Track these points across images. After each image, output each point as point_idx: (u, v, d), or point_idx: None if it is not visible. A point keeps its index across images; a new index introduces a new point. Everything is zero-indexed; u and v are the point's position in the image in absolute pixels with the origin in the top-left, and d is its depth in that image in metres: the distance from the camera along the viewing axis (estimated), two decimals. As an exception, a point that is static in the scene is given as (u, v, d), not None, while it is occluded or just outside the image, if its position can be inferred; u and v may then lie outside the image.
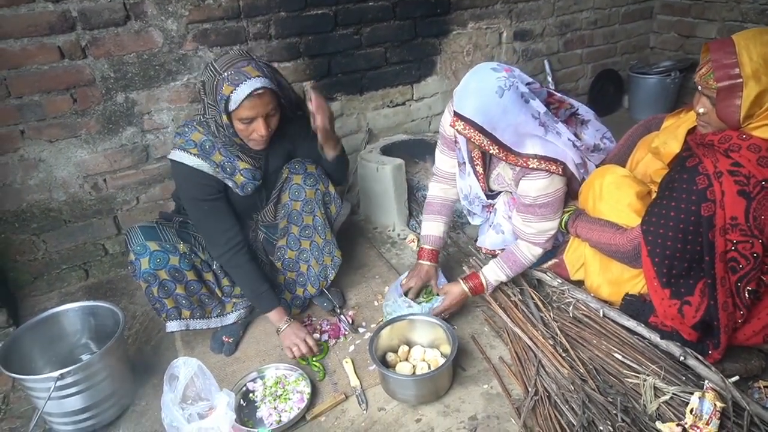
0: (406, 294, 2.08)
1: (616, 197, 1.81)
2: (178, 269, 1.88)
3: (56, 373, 1.58)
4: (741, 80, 1.42)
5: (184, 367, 1.62)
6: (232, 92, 1.65)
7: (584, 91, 3.86)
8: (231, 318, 2.07)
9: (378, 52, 2.89)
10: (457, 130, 1.73)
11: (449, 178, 2.14)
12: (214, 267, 2.02)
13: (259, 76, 1.66)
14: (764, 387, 1.61)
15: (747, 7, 3.42)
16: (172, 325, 1.94)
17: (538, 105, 1.76)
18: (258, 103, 1.68)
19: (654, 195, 1.83)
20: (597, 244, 1.84)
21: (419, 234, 2.61)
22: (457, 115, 1.71)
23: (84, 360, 1.69)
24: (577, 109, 2.01)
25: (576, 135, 1.93)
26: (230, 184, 1.87)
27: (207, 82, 1.72)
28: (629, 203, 1.79)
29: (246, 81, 1.64)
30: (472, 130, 1.70)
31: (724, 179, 1.47)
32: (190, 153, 1.81)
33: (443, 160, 2.12)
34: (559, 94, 1.97)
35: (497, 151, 1.75)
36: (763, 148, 1.46)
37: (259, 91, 1.66)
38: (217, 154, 1.83)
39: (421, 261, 2.13)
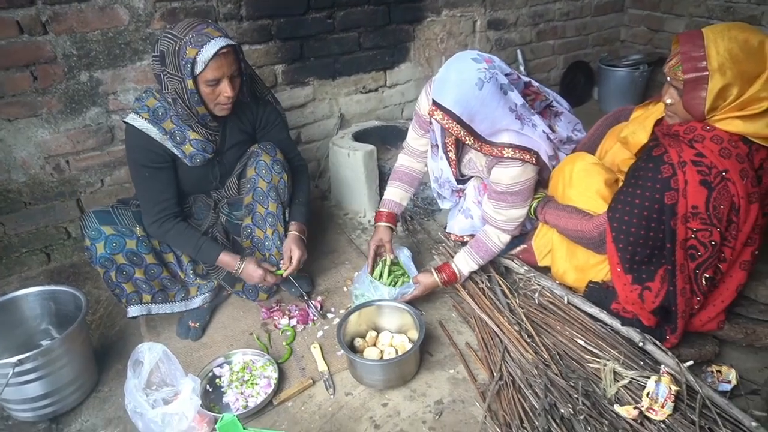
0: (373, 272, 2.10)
1: (585, 184, 1.85)
2: (136, 253, 1.85)
3: (14, 359, 1.54)
4: (707, 73, 1.45)
5: (149, 353, 1.60)
6: (197, 54, 1.62)
7: (556, 81, 3.90)
8: (196, 302, 2.04)
9: (351, 37, 2.86)
10: (435, 119, 1.73)
11: (417, 154, 2.16)
12: (176, 250, 1.99)
13: (220, 36, 1.65)
14: (717, 371, 1.67)
15: (713, 3, 3.50)
16: (133, 310, 1.91)
17: (516, 97, 1.78)
18: (224, 63, 1.67)
19: (621, 183, 1.87)
20: (564, 230, 1.88)
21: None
22: (435, 104, 1.72)
23: (43, 345, 1.65)
24: (552, 101, 2.03)
25: (550, 127, 1.96)
26: (178, 153, 1.84)
27: (167, 50, 1.67)
28: (597, 190, 1.83)
29: (210, 41, 1.63)
30: (450, 121, 1.71)
31: (688, 169, 1.51)
32: (142, 117, 1.78)
33: (414, 138, 2.14)
34: (536, 85, 1.99)
35: (473, 141, 1.77)
36: (725, 140, 1.50)
37: (225, 50, 1.65)
38: (168, 121, 1.80)
39: (377, 223, 2.14)
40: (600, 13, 3.89)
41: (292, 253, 1.98)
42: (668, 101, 1.60)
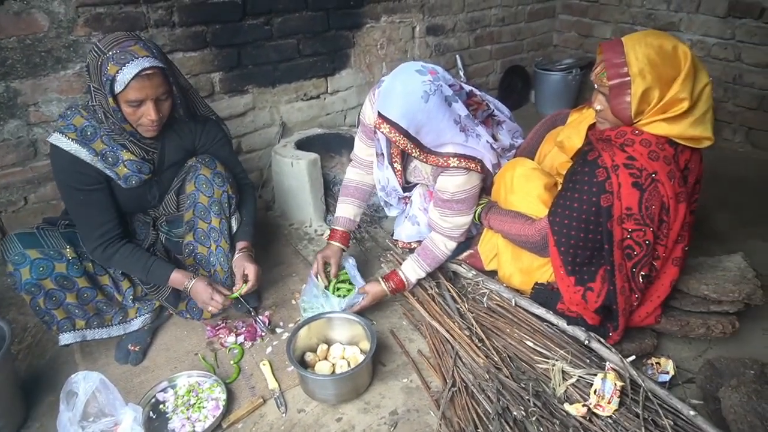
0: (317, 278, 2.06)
1: (526, 189, 1.89)
2: (66, 277, 1.73)
3: (-73, 401, 1.40)
4: (629, 78, 1.52)
5: (84, 382, 1.49)
6: (117, 72, 1.52)
7: (494, 86, 3.99)
8: (136, 324, 1.94)
9: (290, 44, 2.81)
10: (381, 131, 1.72)
11: (366, 165, 2.14)
12: (111, 269, 1.88)
13: (147, 56, 1.55)
14: (656, 363, 1.75)
15: (636, 10, 3.70)
16: (66, 338, 1.79)
17: (460, 108, 1.79)
18: (147, 85, 1.57)
19: (560, 187, 1.93)
20: (508, 234, 1.91)
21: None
22: (381, 116, 1.70)
23: (-37, 383, 1.51)
24: (494, 111, 2.07)
25: (493, 136, 1.99)
26: (111, 175, 1.72)
27: (91, 63, 1.57)
28: (538, 195, 1.87)
29: (133, 60, 1.52)
30: (396, 133, 1.71)
31: (620, 172, 1.57)
32: (68, 137, 1.65)
33: (361, 148, 2.12)
34: (478, 94, 2.02)
35: (418, 153, 1.78)
36: (653, 143, 1.57)
37: (148, 71, 1.55)
38: (98, 141, 1.68)
39: (330, 242, 2.11)
40: (533, 18, 4.02)
41: (247, 270, 1.89)
42: (598, 107, 1.66)
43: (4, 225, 2.27)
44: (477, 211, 2.01)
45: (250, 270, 1.90)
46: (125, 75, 1.52)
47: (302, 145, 2.77)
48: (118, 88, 1.55)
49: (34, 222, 2.28)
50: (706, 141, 1.59)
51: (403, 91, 1.68)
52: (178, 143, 1.88)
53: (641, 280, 1.66)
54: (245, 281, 1.90)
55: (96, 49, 1.57)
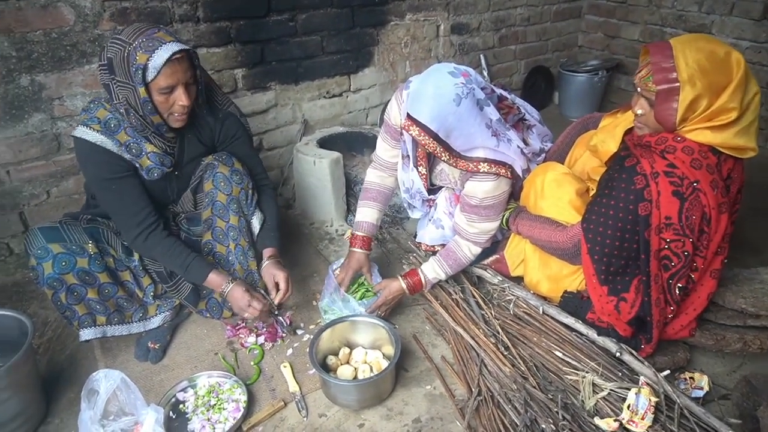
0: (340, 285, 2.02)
1: (557, 194, 1.84)
2: (88, 272, 1.72)
3: (-50, 395, 1.39)
4: (678, 84, 1.45)
5: (105, 381, 1.48)
6: (148, 59, 1.50)
7: (518, 86, 3.93)
8: (155, 321, 1.92)
9: (314, 41, 2.78)
10: (411, 134, 1.68)
11: (388, 167, 2.10)
12: (132, 265, 1.86)
13: (173, 41, 1.53)
14: (690, 378, 1.69)
15: (666, 11, 3.61)
16: (87, 333, 1.77)
17: (492, 112, 1.75)
18: (178, 69, 1.55)
19: (591, 192, 1.87)
20: (538, 241, 1.86)
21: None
22: (411, 119, 1.66)
23: (-15, 378, 1.50)
24: (524, 114, 2.01)
25: (524, 140, 1.94)
26: (136, 166, 1.71)
27: (115, 57, 1.54)
28: (570, 200, 1.82)
29: (162, 45, 1.51)
30: (425, 136, 1.66)
31: (660, 180, 1.51)
32: (92, 129, 1.64)
33: (385, 149, 2.07)
34: (509, 97, 1.97)
35: (448, 157, 1.73)
36: (696, 151, 1.51)
37: (178, 56, 1.53)
38: (122, 133, 1.67)
39: (353, 248, 2.07)
40: (559, 18, 3.95)
41: (277, 278, 1.87)
42: (639, 112, 1.60)
43: (27, 219, 2.26)
44: (505, 216, 1.96)
45: (281, 278, 1.87)
46: (157, 61, 1.50)
47: (324, 143, 2.74)
48: (150, 76, 1.53)
49: (56, 216, 2.28)
50: (750, 151, 1.53)
51: (435, 93, 1.63)
52: (198, 138, 1.86)
53: (678, 292, 1.61)
54: (277, 289, 1.87)
55: (118, 41, 1.54)
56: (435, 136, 1.66)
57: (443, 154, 1.72)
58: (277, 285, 1.87)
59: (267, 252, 1.94)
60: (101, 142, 1.65)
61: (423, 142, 1.68)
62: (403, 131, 1.72)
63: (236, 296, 1.78)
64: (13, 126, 2.10)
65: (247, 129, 1.99)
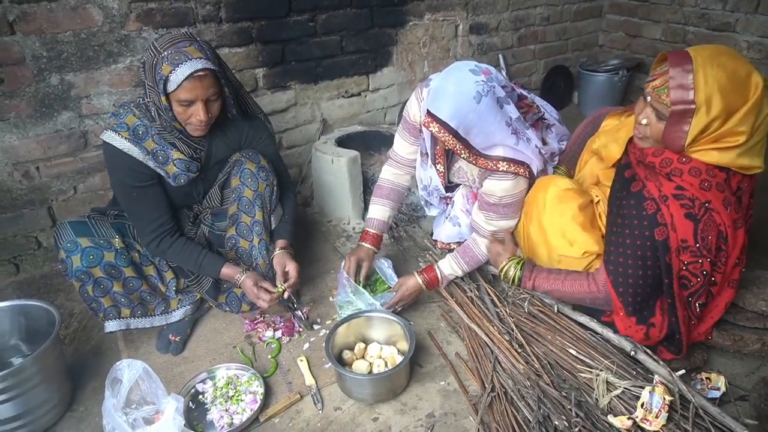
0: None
1: (560, 210, 1.78)
2: (114, 266, 1.78)
3: (-18, 380, 1.45)
4: (694, 107, 1.38)
5: (128, 371, 1.53)
6: (171, 72, 1.56)
7: (536, 86, 3.92)
8: (177, 315, 1.97)
9: (333, 41, 2.81)
10: (431, 131, 1.69)
11: (405, 164, 2.11)
12: (156, 260, 1.92)
13: (201, 58, 1.58)
14: (706, 378, 1.68)
15: (689, 10, 3.56)
16: (111, 325, 1.84)
17: (512, 110, 1.76)
18: (198, 86, 1.60)
19: (597, 200, 1.84)
20: (563, 295, 1.75)
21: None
22: (431, 115, 1.67)
23: (15, 365, 1.56)
24: (544, 114, 2.02)
25: (543, 140, 1.94)
26: (161, 173, 1.78)
27: (147, 61, 1.62)
28: (572, 216, 1.76)
29: (186, 61, 1.56)
30: (445, 133, 1.68)
31: (671, 203, 1.47)
32: (121, 135, 1.70)
33: (403, 146, 2.08)
34: (529, 96, 1.97)
35: (467, 155, 1.74)
36: (703, 171, 1.46)
37: (200, 73, 1.58)
38: (149, 140, 1.73)
39: (361, 243, 2.09)
40: (579, 18, 3.92)
41: (288, 267, 1.92)
42: (644, 122, 1.51)
43: (55, 213, 2.34)
44: (513, 274, 1.82)
45: (291, 267, 1.91)
46: (178, 75, 1.56)
47: (342, 142, 2.77)
48: (170, 88, 1.59)
49: (82, 211, 2.36)
50: (756, 169, 1.48)
51: (456, 90, 1.64)
52: (225, 141, 1.91)
53: (698, 308, 1.58)
54: (286, 279, 1.91)
55: (153, 48, 1.61)
56: (455, 133, 1.68)
57: (463, 152, 1.73)
58: (286, 275, 1.92)
59: (280, 243, 1.99)
60: (128, 150, 1.71)
61: (443, 138, 1.69)
62: (423, 128, 1.74)
63: (246, 288, 1.86)
64: (43, 123, 2.17)
65: (271, 131, 2.05)
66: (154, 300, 1.91)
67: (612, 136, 1.79)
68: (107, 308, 1.80)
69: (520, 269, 1.81)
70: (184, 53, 1.57)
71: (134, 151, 1.71)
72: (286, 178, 2.10)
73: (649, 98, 1.48)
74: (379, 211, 2.12)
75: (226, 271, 1.87)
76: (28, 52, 2.05)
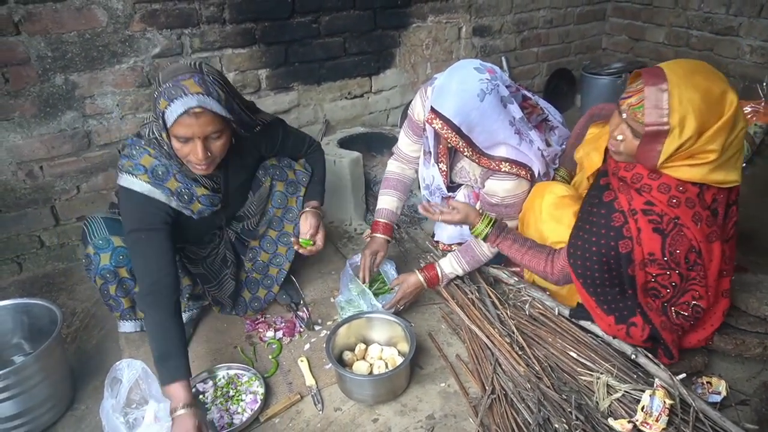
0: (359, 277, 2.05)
1: (557, 217, 1.79)
2: None
3: (-16, 378, 1.46)
4: (668, 128, 1.37)
5: (128, 370, 1.53)
6: (166, 107, 1.46)
7: (539, 89, 3.92)
8: (184, 318, 1.98)
9: (336, 42, 2.82)
10: (433, 127, 1.71)
11: (409, 160, 2.15)
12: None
13: (198, 93, 1.45)
14: (707, 382, 1.67)
15: (692, 14, 3.56)
16: (127, 326, 1.85)
17: (515, 110, 1.76)
18: (194, 123, 1.47)
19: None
20: (524, 265, 1.81)
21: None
22: (435, 112, 1.69)
23: (17, 363, 1.57)
24: (547, 116, 2.02)
25: (546, 141, 1.95)
26: (186, 212, 1.69)
27: (153, 93, 1.56)
28: (569, 224, 1.73)
29: (181, 97, 1.44)
30: (448, 130, 1.69)
31: (639, 217, 1.47)
32: (140, 179, 1.59)
33: (407, 143, 2.11)
34: (533, 98, 1.98)
35: (470, 153, 1.75)
36: (672, 188, 1.46)
37: (196, 110, 1.45)
38: (172, 180, 1.62)
39: (374, 234, 2.10)
40: (582, 21, 3.92)
41: (313, 227, 1.88)
42: (619, 137, 1.49)
43: (58, 213, 2.35)
44: (481, 231, 1.83)
45: (320, 236, 1.89)
46: (172, 112, 1.46)
47: (345, 143, 2.78)
48: (168, 123, 1.49)
49: (85, 210, 2.37)
50: (732, 183, 1.47)
51: (459, 88, 1.66)
52: (241, 164, 1.84)
53: (675, 316, 1.58)
54: (313, 242, 1.88)
55: (157, 79, 1.54)
56: (458, 131, 1.68)
57: (466, 149, 1.74)
58: (313, 238, 1.89)
59: (310, 203, 1.97)
60: (150, 192, 1.61)
61: (446, 135, 1.70)
62: (427, 126, 1.75)
63: (183, 425, 1.46)
64: (47, 123, 2.18)
65: (284, 124, 1.98)
66: None
67: (593, 145, 1.81)
68: (125, 309, 1.80)
69: (490, 228, 1.82)
70: (182, 87, 1.45)
71: (156, 194, 1.61)
72: (311, 145, 2.06)
73: (624, 115, 1.45)
74: (388, 201, 2.15)
75: (177, 388, 1.50)
76: (32, 52, 2.06)
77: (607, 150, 1.67)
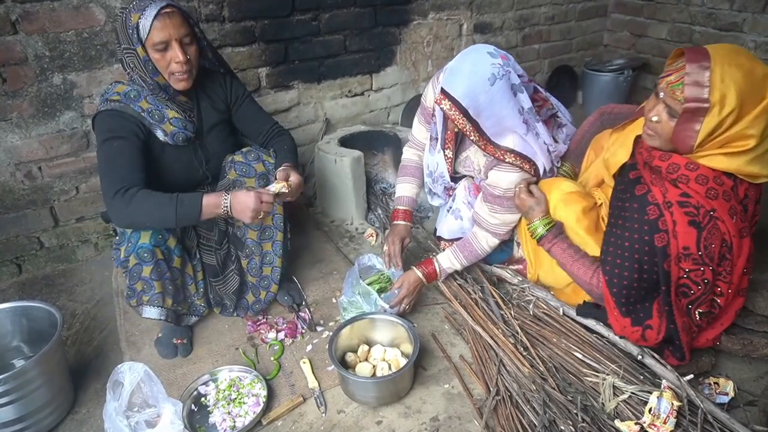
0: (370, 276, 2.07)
1: (564, 214, 1.77)
2: (171, 251, 1.79)
3: (-16, 383, 1.44)
4: (708, 105, 1.34)
5: (130, 373, 1.52)
6: (139, 18, 1.58)
7: (541, 86, 3.88)
8: (191, 320, 1.98)
9: (337, 40, 2.80)
10: (442, 108, 1.70)
11: (422, 148, 2.16)
12: (194, 262, 1.93)
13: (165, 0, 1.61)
14: (714, 383, 1.66)
15: (695, 10, 3.53)
16: (152, 312, 1.78)
17: (524, 99, 1.75)
18: (168, 23, 1.60)
19: (600, 203, 1.82)
20: (567, 271, 1.76)
21: (377, 228, 2.57)
22: (444, 93, 1.68)
23: (17, 367, 1.55)
24: (557, 111, 2.00)
25: (554, 138, 1.93)
26: (158, 133, 1.73)
27: (118, 26, 1.63)
28: (577, 219, 1.75)
29: (151, 4, 1.59)
30: (456, 112, 1.68)
31: (675, 209, 1.44)
32: (113, 101, 1.68)
33: (420, 130, 2.13)
34: (544, 93, 1.96)
35: (477, 138, 1.74)
36: (711, 179, 1.43)
37: (167, 10, 1.59)
38: (143, 101, 1.71)
39: (396, 221, 2.13)
40: (584, 17, 3.89)
41: (292, 177, 1.78)
42: (654, 119, 1.46)
43: (57, 214, 2.33)
44: (539, 231, 1.79)
45: (295, 177, 1.79)
46: (146, 18, 1.57)
47: (345, 142, 2.75)
48: (143, 34, 1.59)
49: (84, 211, 2.35)
50: (764, 178, 1.45)
51: (471, 70, 1.65)
52: (212, 104, 1.90)
53: (698, 317, 1.55)
54: (287, 183, 1.76)
55: (120, 10, 1.63)
56: (465, 113, 1.68)
57: (473, 134, 1.73)
58: (288, 181, 1.77)
59: (283, 165, 1.86)
60: (122, 108, 1.68)
61: (453, 117, 1.69)
62: (435, 108, 1.74)
63: (241, 198, 1.62)
64: (45, 123, 2.16)
65: (246, 88, 2.04)
66: (179, 298, 1.88)
67: (617, 143, 1.77)
68: (155, 294, 1.75)
69: (546, 230, 1.78)
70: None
71: (129, 109, 1.69)
72: (278, 128, 2.04)
73: (662, 94, 1.43)
74: (407, 188, 2.17)
75: (209, 199, 1.63)
76: (30, 52, 2.04)
77: (635, 144, 1.65)
